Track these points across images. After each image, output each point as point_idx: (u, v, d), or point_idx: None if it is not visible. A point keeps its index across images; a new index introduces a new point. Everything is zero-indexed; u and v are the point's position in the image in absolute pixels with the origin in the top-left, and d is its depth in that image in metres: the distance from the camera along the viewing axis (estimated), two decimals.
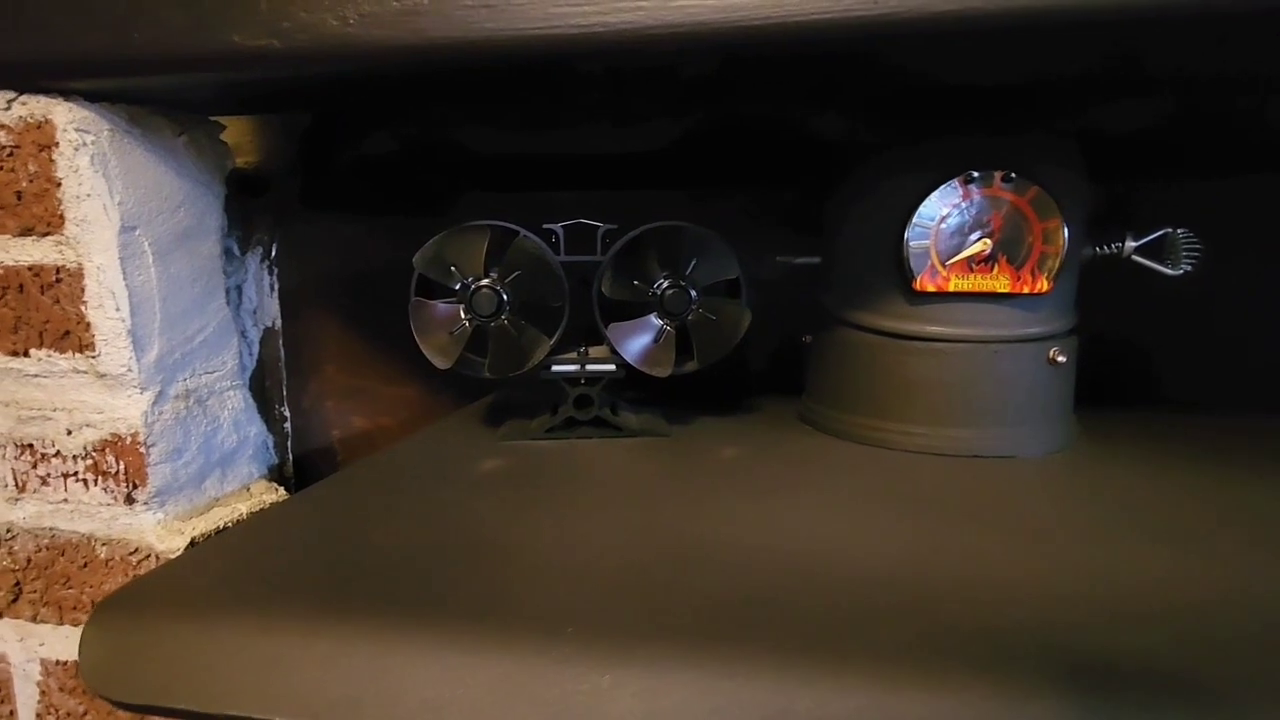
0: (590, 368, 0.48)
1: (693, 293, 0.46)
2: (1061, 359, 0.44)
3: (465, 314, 0.45)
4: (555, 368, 0.48)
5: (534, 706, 0.22)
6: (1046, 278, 0.43)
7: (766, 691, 0.21)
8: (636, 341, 0.47)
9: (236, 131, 0.54)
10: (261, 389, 0.53)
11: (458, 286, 0.45)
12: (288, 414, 0.58)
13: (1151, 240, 0.46)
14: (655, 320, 0.47)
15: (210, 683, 0.24)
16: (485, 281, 0.45)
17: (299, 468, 0.58)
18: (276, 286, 0.55)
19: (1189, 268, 0.46)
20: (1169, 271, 0.46)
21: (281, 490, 0.51)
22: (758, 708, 0.21)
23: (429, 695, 0.23)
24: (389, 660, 0.24)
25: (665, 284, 0.46)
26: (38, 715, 0.45)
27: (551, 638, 0.24)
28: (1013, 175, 0.42)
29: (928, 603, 0.26)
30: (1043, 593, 0.27)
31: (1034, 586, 0.27)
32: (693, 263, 0.46)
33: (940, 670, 0.22)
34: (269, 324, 0.55)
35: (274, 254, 0.55)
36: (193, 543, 0.42)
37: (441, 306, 0.46)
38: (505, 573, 0.29)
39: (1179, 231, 0.46)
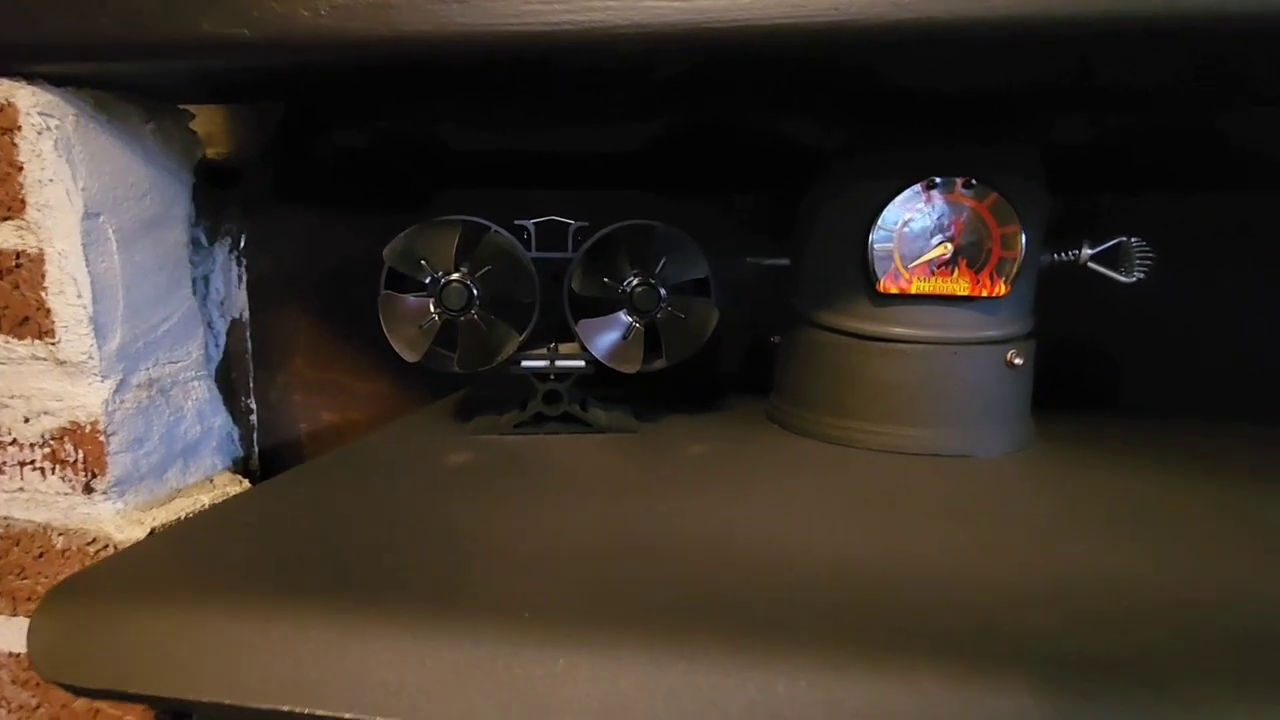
0: (560, 364, 0.49)
1: (662, 291, 0.47)
2: (1019, 361, 0.46)
3: (435, 308, 0.45)
4: (525, 363, 0.49)
5: (490, 688, 0.22)
6: (1005, 282, 0.44)
7: (717, 674, 0.22)
8: (606, 338, 0.48)
9: (208, 121, 0.54)
10: (227, 381, 0.53)
11: (428, 281, 0.45)
12: (254, 406, 0.57)
13: (1106, 248, 0.48)
14: (624, 317, 0.48)
15: (164, 667, 0.24)
16: (455, 276, 0.45)
17: (264, 461, 0.58)
18: (245, 278, 0.55)
19: (1142, 275, 0.47)
20: (1123, 279, 0.48)
21: (245, 482, 0.51)
22: (709, 690, 0.22)
23: (387, 677, 0.23)
24: (347, 644, 0.24)
25: (635, 282, 0.47)
26: None
27: (508, 623, 0.24)
28: (973, 182, 0.43)
29: (877, 591, 0.27)
30: (989, 582, 0.27)
31: (981, 577, 0.28)
32: (662, 261, 0.47)
33: (884, 655, 0.22)
34: (236, 315, 0.55)
35: (243, 245, 0.55)
36: (152, 533, 0.42)
37: (411, 300, 0.46)
38: (466, 561, 0.29)
39: (1133, 240, 0.48)
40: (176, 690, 0.24)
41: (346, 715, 0.22)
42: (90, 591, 0.26)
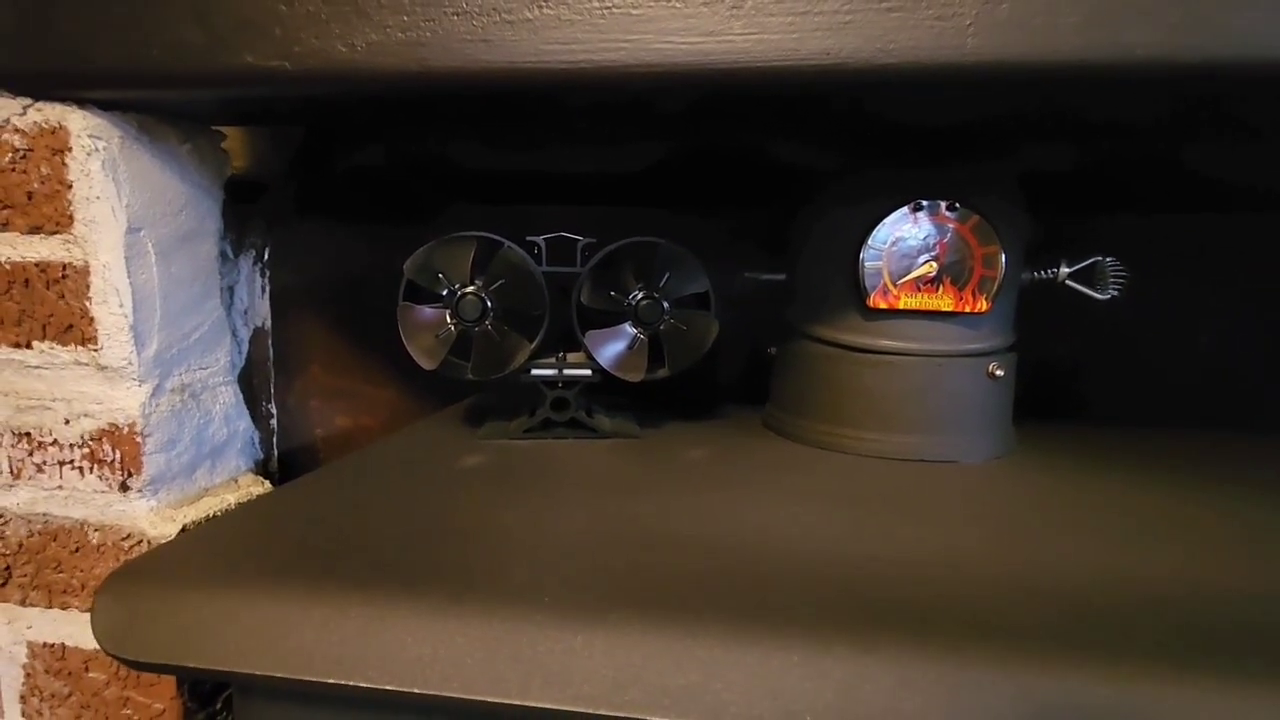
0: (568, 372, 0.52)
1: (665, 304, 0.50)
2: (1000, 373, 0.49)
3: (451, 319, 0.48)
4: (535, 371, 0.51)
5: (514, 662, 0.25)
6: (986, 298, 0.47)
7: (718, 648, 0.25)
8: (612, 348, 0.50)
9: (231, 140, 0.57)
10: (249, 387, 0.55)
11: (444, 292, 0.48)
12: (274, 411, 0.60)
13: (1083, 267, 0.51)
14: (630, 329, 0.50)
15: (218, 644, 0.27)
16: (471, 289, 0.48)
17: (283, 464, 0.60)
18: (267, 289, 0.58)
19: (1116, 293, 0.51)
20: (1098, 295, 0.51)
21: (268, 484, 0.53)
22: (710, 662, 0.24)
23: (421, 652, 0.25)
24: (382, 623, 0.26)
25: (640, 295, 0.50)
26: (22, 697, 0.46)
27: (529, 604, 0.27)
28: (956, 205, 0.46)
29: (863, 579, 0.29)
30: (967, 573, 0.30)
31: (961, 568, 0.31)
32: (666, 276, 0.50)
33: (868, 633, 0.25)
34: (259, 324, 0.57)
35: (266, 257, 0.57)
36: (184, 529, 0.44)
37: (428, 311, 0.48)
38: (486, 552, 0.32)
39: (1108, 260, 0.51)
40: (229, 664, 0.26)
41: (386, 686, 0.25)
42: (147, 576, 0.29)
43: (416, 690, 0.24)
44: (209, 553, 0.32)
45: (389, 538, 0.33)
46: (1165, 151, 0.52)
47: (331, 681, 0.25)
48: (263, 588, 0.28)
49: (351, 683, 0.25)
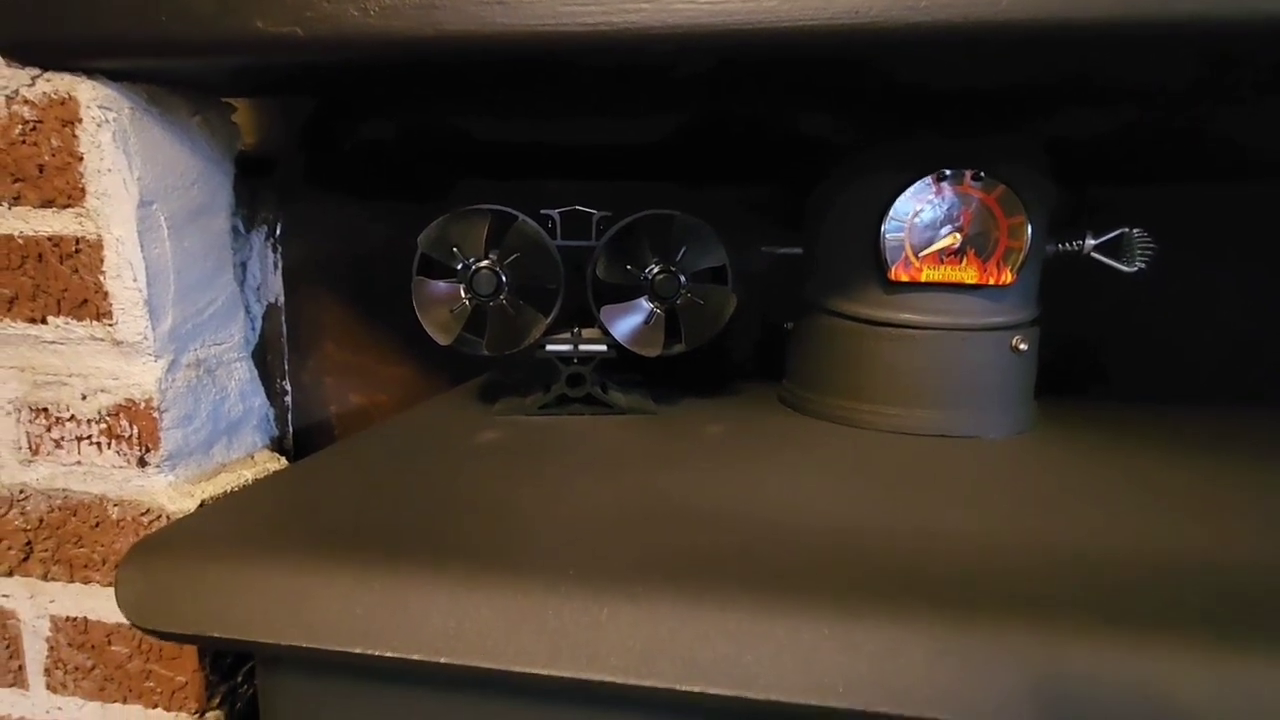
0: (583, 348, 0.51)
1: (682, 278, 0.49)
2: (1023, 347, 0.48)
3: (465, 293, 0.48)
4: (550, 347, 0.51)
5: (541, 633, 0.25)
6: (1011, 270, 0.46)
7: (747, 620, 0.24)
8: (627, 323, 0.50)
9: (242, 115, 0.56)
10: (264, 363, 0.55)
11: (459, 267, 0.47)
12: (289, 388, 0.60)
13: (1110, 239, 0.50)
14: (645, 303, 0.50)
15: (241, 614, 0.26)
16: (485, 263, 0.47)
17: (299, 441, 0.60)
18: (280, 264, 0.57)
19: (1143, 265, 0.49)
20: (1125, 268, 0.50)
21: (284, 461, 0.53)
22: (739, 633, 0.24)
23: (446, 624, 0.25)
24: (406, 595, 0.26)
25: (656, 269, 0.49)
26: (46, 670, 0.47)
27: (554, 576, 0.26)
28: (981, 174, 0.45)
29: (889, 551, 0.29)
30: (993, 546, 0.30)
31: (983, 539, 0.30)
32: (682, 250, 0.49)
33: (898, 604, 0.25)
34: (272, 300, 0.57)
35: (278, 233, 0.57)
36: (202, 504, 0.44)
37: (443, 285, 0.48)
38: (507, 525, 0.31)
39: (1135, 231, 0.49)
40: (253, 634, 0.26)
41: (412, 656, 0.25)
42: (170, 547, 0.29)
43: (442, 660, 0.24)
44: (230, 525, 0.31)
45: (409, 511, 0.33)
46: (1194, 118, 0.50)
47: (357, 651, 0.25)
48: (285, 559, 0.28)
49: (376, 652, 0.25)
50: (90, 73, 0.39)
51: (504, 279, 0.48)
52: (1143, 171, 0.58)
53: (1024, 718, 0.21)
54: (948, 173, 0.45)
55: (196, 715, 0.46)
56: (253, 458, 0.51)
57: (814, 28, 0.31)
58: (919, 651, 0.23)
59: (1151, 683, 0.22)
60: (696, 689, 0.23)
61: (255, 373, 0.52)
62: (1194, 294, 0.60)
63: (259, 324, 0.56)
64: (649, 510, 0.33)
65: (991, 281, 0.46)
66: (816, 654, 0.23)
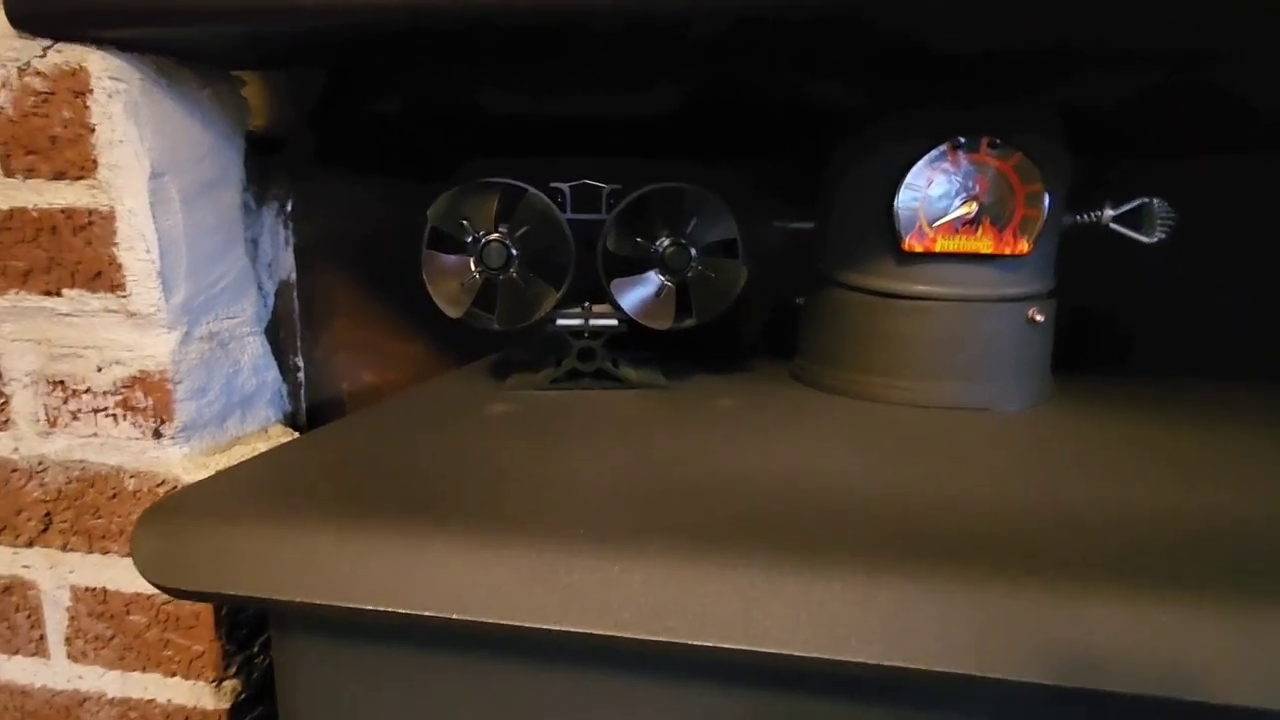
0: (594, 322, 0.51)
1: (692, 251, 0.49)
2: (1040, 318, 0.47)
3: (475, 266, 0.47)
4: (560, 321, 0.51)
5: (553, 590, 0.25)
6: (1028, 240, 0.45)
7: (760, 577, 0.24)
8: (637, 295, 0.50)
9: (253, 93, 0.56)
10: (276, 339, 0.56)
11: (469, 240, 0.47)
12: (301, 364, 0.60)
13: (1129, 209, 0.49)
14: (656, 276, 0.49)
15: (256, 572, 0.27)
16: (495, 236, 0.47)
17: (311, 417, 0.61)
18: (292, 241, 0.57)
19: (1164, 235, 0.48)
20: (1145, 239, 0.49)
21: (297, 435, 0.54)
22: (751, 590, 0.24)
23: (459, 581, 0.25)
24: (420, 553, 0.26)
25: (666, 242, 0.49)
26: (67, 639, 0.47)
27: (567, 534, 0.26)
28: (998, 142, 0.44)
29: (900, 515, 0.29)
30: (1007, 511, 0.29)
31: (994, 504, 0.30)
32: (693, 223, 0.49)
33: (911, 562, 0.24)
34: (284, 277, 0.57)
35: (289, 209, 0.57)
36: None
37: (453, 259, 0.48)
38: (520, 489, 0.31)
39: (1155, 202, 0.49)
40: (267, 592, 0.26)
41: (425, 612, 0.25)
42: (186, 508, 0.29)
43: (454, 616, 0.24)
44: (244, 488, 0.32)
45: (422, 475, 0.33)
46: (1217, 84, 0.49)
47: (369, 608, 0.25)
48: (299, 518, 0.28)
49: (391, 609, 0.25)
50: (100, 43, 0.39)
51: (514, 252, 0.47)
52: (1165, 141, 0.57)
53: (1035, 672, 0.21)
54: (963, 140, 0.45)
55: (214, 684, 0.46)
56: (266, 431, 0.52)
57: None
58: (931, 606, 0.23)
59: (1163, 637, 0.22)
60: (709, 644, 0.23)
61: (268, 347, 0.53)
62: (1216, 267, 0.59)
63: (272, 300, 0.56)
64: (662, 475, 0.33)
65: (1007, 251, 0.45)
66: (828, 609, 0.23)
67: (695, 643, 0.23)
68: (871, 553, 0.25)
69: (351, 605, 0.25)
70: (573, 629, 0.23)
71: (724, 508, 0.29)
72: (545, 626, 0.24)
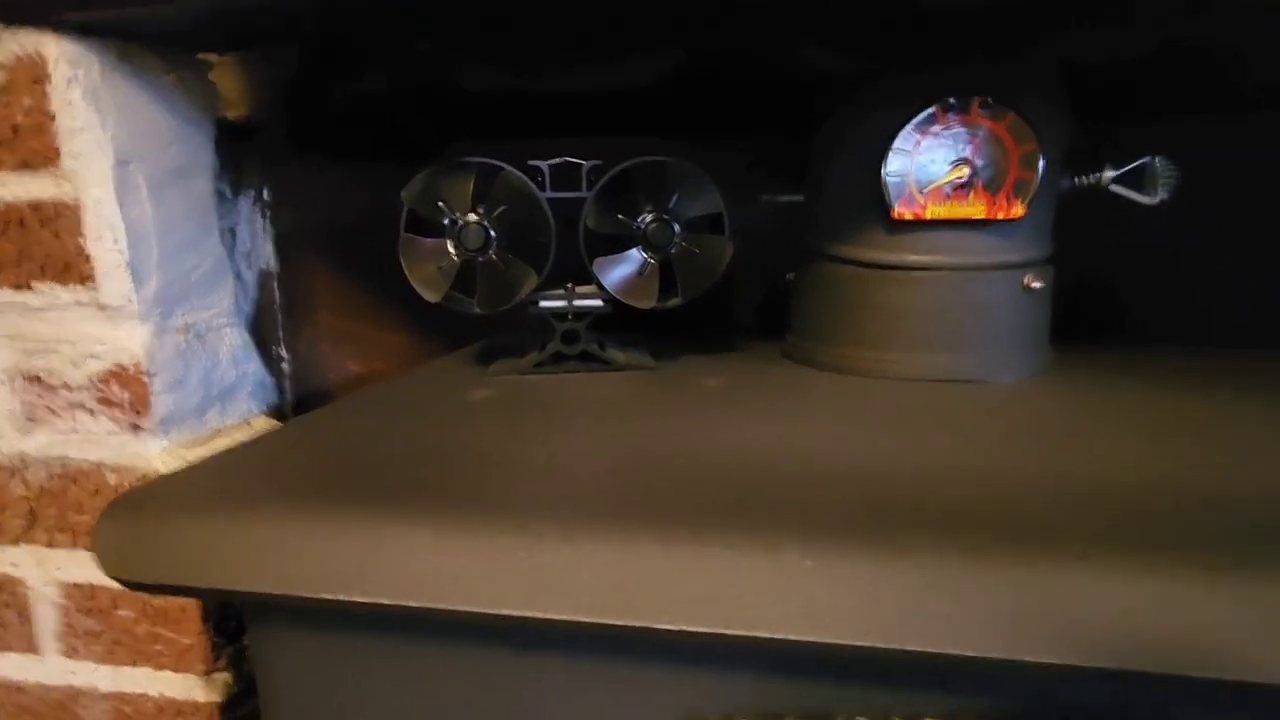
0: (577, 303, 0.50)
1: (676, 226, 0.47)
2: (1036, 285, 0.45)
3: (453, 249, 0.46)
4: (543, 303, 0.49)
5: (515, 574, 0.24)
6: (1022, 203, 0.44)
7: (727, 555, 0.23)
8: (620, 273, 0.48)
9: (226, 79, 0.55)
10: (258, 330, 0.55)
11: (446, 222, 0.46)
12: (285, 355, 0.59)
13: (1130, 170, 0.47)
14: (639, 254, 0.48)
15: (219, 564, 0.26)
16: (473, 217, 0.46)
17: (297, 409, 0.60)
18: (270, 230, 0.56)
19: (1166, 196, 0.47)
20: (1146, 200, 0.47)
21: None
22: (718, 569, 0.23)
23: (420, 568, 0.24)
24: (383, 541, 0.25)
25: (649, 218, 0.47)
26: (58, 635, 0.47)
27: (528, 517, 0.25)
28: (990, 101, 0.43)
29: (882, 490, 0.27)
30: (992, 483, 0.28)
31: (980, 476, 0.28)
32: (675, 197, 0.47)
33: (890, 537, 0.23)
34: (264, 267, 0.56)
35: (266, 198, 0.56)
36: None
37: (430, 242, 0.47)
38: (490, 472, 0.30)
39: (1158, 160, 0.46)
40: (229, 583, 0.26)
41: (383, 600, 0.24)
42: (148, 501, 0.28)
43: (412, 604, 0.23)
44: (210, 479, 0.31)
45: (394, 462, 0.32)
46: (1221, 41, 0.47)
47: (327, 597, 0.24)
48: (262, 508, 0.27)
49: (349, 598, 0.24)
50: (58, 28, 0.38)
51: (492, 233, 0.46)
52: (1166, 101, 0.55)
53: (1015, 649, 0.20)
54: (953, 101, 0.43)
55: (204, 676, 0.46)
56: (249, 423, 0.51)
57: None
58: (910, 581, 0.22)
59: (1151, 610, 0.20)
60: (675, 627, 0.22)
61: (248, 339, 0.52)
62: (1221, 234, 0.57)
63: (252, 291, 0.56)
64: (638, 454, 0.32)
65: (1001, 216, 0.44)
66: (800, 586, 0.22)
67: (661, 626, 0.22)
68: (846, 528, 0.24)
69: (311, 595, 0.25)
70: (532, 614, 0.23)
71: (699, 485, 0.28)
72: (504, 612, 0.23)
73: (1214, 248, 0.57)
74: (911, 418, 0.38)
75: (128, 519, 0.28)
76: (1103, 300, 0.60)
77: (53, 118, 0.39)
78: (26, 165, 0.40)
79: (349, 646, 0.29)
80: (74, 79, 0.39)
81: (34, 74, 0.39)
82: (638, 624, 0.22)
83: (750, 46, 0.48)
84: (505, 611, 0.23)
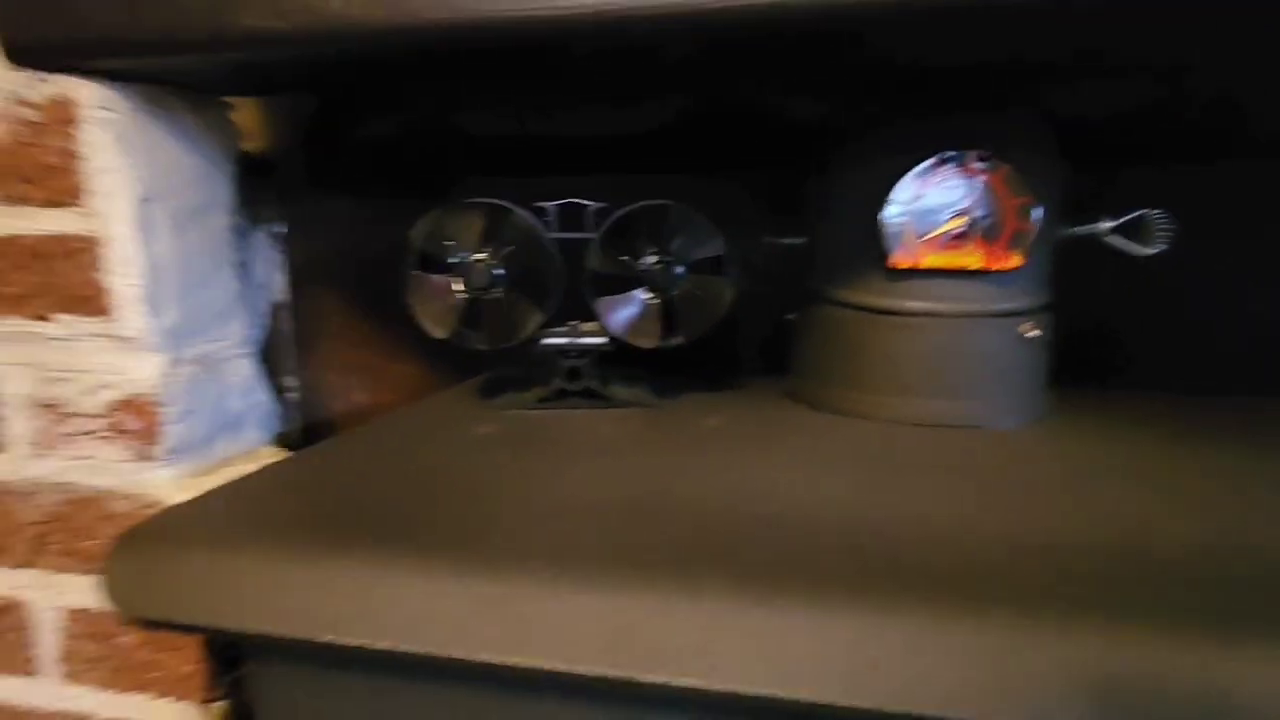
0: (581, 341, 0.51)
1: (679, 269, 0.48)
2: (1032, 334, 0.46)
3: (460, 287, 0.48)
4: (547, 340, 0.50)
5: (509, 622, 0.24)
6: (1019, 254, 0.44)
7: (720, 610, 0.23)
8: (623, 314, 0.49)
9: (246, 115, 0.57)
10: (269, 361, 0.56)
11: (454, 261, 0.47)
12: (294, 384, 0.61)
13: (1128, 221, 0.48)
14: (641, 294, 0.49)
15: (221, 602, 0.27)
16: (480, 256, 0.47)
17: (306, 438, 0.61)
18: (283, 263, 0.58)
19: (1163, 247, 0.47)
20: (1143, 252, 0.48)
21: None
22: (710, 624, 0.23)
23: (414, 612, 0.25)
24: (381, 583, 0.26)
25: (653, 260, 0.48)
26: (59, 660, 0.48)
27: (522, 564, 0.26)
28: (986, 154, 0.44)
29: (877, 542, 0.28)
30: (983, 538, 0.28)
31: (975, 529, 0.29)
32: (678, 240, 0.48)
33: (879, 593, 0.24)
34: (276, 298, 0.58)
35: (282, 231, 0.58)
36: None
37: (438, 279, 0.48)
38: (491, 512, 0.31)
39: (1154, 213, 0.47)
40: (230, 623, 0.26)
41: (378, 645, 0.24)
42: (156, 538, 0.29)
43: (402, 649, 0.24)
44: (217, 514, 0.32)
45: (395, 499, 0.33)
46: (1216, 91, 0.48)
47: (324, 641, 0.25)
48: (265, 549, 0.28)
49: (344, 641, 0.25)
50: (89, 74, 0.40)
51: (499, 272, 0.47)
52: (1166, 150, 0.56)
53: (1000, 711, 0.20)
54: (951, 153, 0.44)
55: (202, 705, 0.46)
56: (256, 454, 0.52)
57: (799, 2, 0.30)
58: (897, 640, 0.22)
59: (1144, 675, 0.21)
60: (660, 680, 0.22)
61: (258, 370, 0.53)
62: (1221, 279, 0.57)
63: (264, 321, 0.57)
64: (633, 498, 0.32)
65: (998, 266, 0.45)
66: (787, 642, 0.22)
67: (646, 679, 0.22)
68: (836, 583, 0.24)
69: (305, 637, 0.25)
70: (521, 663, 0.23)
71: (692, 533, 0.28)
72: (494, 660, 0.23)
73: (1215, 292, 0.58)
74: (904, 464, 0.38)
75: (136, 557, 0.28)
76: (1104, 344, 0.60)
77: (82, 159, 0.41)
78: (53, 203, 0.42)
79: (346, 683, 0.30)
80: (105, 123, 0.40)
81: (66, 116, 0.40)
82: (622, 675, 0.22)
83: (749, 99, 0.50)
84: (492, 659, 0.23)
